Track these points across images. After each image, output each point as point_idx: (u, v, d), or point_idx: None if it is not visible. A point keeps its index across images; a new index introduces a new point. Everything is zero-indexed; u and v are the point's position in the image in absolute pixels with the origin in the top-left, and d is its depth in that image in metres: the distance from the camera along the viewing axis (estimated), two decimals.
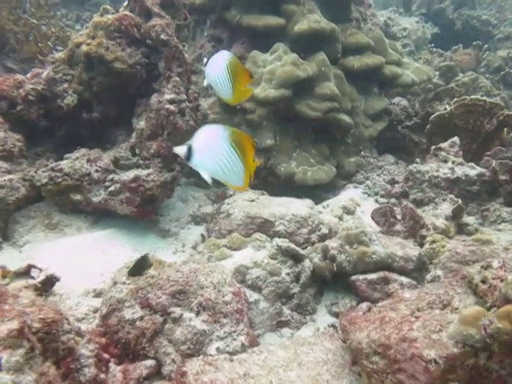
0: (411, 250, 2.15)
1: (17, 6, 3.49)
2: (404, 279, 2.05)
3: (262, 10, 3.22)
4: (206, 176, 1.52)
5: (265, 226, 2.49)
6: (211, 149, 1.51)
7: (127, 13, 2.61)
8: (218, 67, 1.79)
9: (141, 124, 2.67)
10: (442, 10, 6.34)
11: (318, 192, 3.26)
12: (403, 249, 2.15)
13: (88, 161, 2.55)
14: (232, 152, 1.51)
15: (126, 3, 2.72)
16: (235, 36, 3.35)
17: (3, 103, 2.51)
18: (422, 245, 2.22)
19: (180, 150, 1.54)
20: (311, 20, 3.10)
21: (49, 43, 3.67)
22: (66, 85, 2.64)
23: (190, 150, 1.53)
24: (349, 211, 2.91)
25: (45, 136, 2.75)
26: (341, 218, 2.83)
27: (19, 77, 2.53)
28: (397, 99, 4.14)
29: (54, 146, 2.77)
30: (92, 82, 2.64)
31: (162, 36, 2.62)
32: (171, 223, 2.86)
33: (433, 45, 5.72)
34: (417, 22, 5.92)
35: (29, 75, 2.59)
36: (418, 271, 2.09)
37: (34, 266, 1.63)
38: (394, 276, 2.06)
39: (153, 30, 2.62)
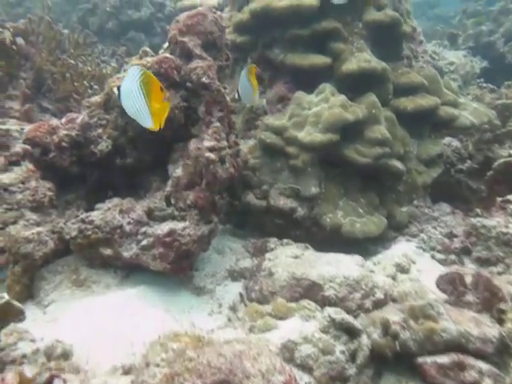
0: (489, 328, 1.87)
1: (56, 47, 3.48)
2: (483, 365, 1.77)
3: (307, 49, 3.08)
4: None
5: (312, 290, 2.26)
6: (127, 90, 1.64)
7: (167, 55, 2.51)
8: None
9: (177, 172, 2.53)
10: (491, 43, 6.11)
11: (366, 244, 3.02)
12: (479, 326, 1.87)
13: (120, 212, 2.41)
14: (139, 93, 1.62)
15: (166, 45, 2.63)
16: (278, 75, 3.22)
17: (36, 150, 2.42)
18: (499, 321, 1.94)
19: (116, 91, 1.72)
20: (361, 59, 2.93)
21: (84, 82, 3.63)
22: (100, 130, 2.53)
23: (119, 91, 1.70)
24: (403, 269, 2.65)
25: (76, 182, 2.64)
26: (394, 278, 2.57)
27: (54, 122, 2.45)
28: (447, 140, 3.89)
29: (85, 193, 2.66)
30: (127, 127, 2.53)
31: (203, 79, 2.50)
32: (206, 279, 2.66)
33: (482, 80, 5.48)
34: (464, 56, 5.70)
35: (64, 120, 2.50)
36: (499, 356, 1.81)
37: (58, 376, 1.44)
38: (471, 360, 1.78)
39: (194, 73, 2.51)
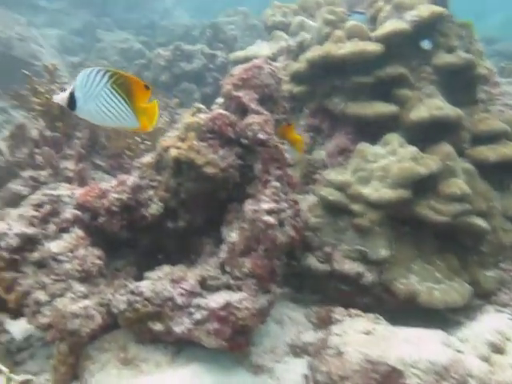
0: None
1: None
2: None
3: (371, 97, 2.88)
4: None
5: (391, 377, 1.95)
6: (93, 95, 1.48)
7: (221, 111, 2.39)
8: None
9: (232, 236, 2.34)
10: None
11: (446, 313, 2.65)
12: None
13: (171, 281, 2.24)
14: (114, 95, 1.50)
15: (220, 100, 2.52)
16: (338, 125, 3.03)
17: (86, 215, 2.33)
18: None
19: (61, 99, 1.50)
20: (432, 106, 2.69)
21: (137, 138, 3.60)
22: (151, 192, 2.41)
23: (72, 98, 1.50)
24: (498, 349, 2.26)
25: (125, 247, 2.52)
26: (488, 361, 2.19)
27: (104, 186, 2.36)
28: None
29: (135, 259, 2.52)
30: (180, 189, 2.39)
31: (260, 135, 2.34)
32: (265, 355, 2.40)
33: None
34: None
35: (114, 183, 2.41)
36: None
37: None
38: None
39: (249, 129, 2.36)
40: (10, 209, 2.66)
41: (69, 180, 3.18)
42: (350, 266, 2.63)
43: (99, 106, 1.53)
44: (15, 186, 3.11)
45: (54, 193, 2.32)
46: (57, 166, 3.16)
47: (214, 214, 2.51)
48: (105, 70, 1.53)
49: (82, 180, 3.15)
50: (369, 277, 2.58)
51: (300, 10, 4.34)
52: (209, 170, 2.30)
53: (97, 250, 2.29)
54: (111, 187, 2.41)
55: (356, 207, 2.66)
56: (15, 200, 3.10)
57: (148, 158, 2.47)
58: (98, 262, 2.24)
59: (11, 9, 12.00)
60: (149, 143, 3.66)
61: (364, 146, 2.78)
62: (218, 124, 2.36)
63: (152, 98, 1.65)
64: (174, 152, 2.32)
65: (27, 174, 3.15)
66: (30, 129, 3.28)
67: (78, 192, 2.36)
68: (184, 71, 6.81)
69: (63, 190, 2.34)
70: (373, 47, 2.70)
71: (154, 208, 2.40)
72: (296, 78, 3.14)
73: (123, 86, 1.52)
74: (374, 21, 3.00)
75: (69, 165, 3.24)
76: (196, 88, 6.78)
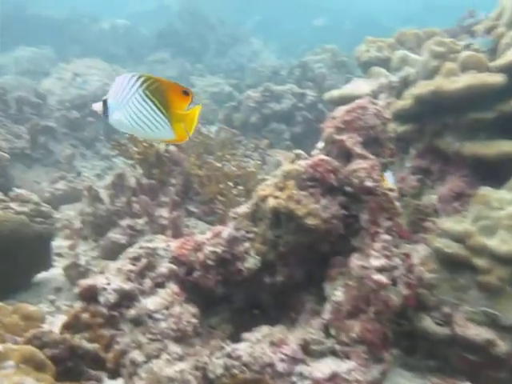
0: None
1: (204, 151, 3.52)
2: None
3: (491, 134, 2.55)
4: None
5: None
6: (123, 102, 1.39)
7: (323, 157, 2.23)
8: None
9: (337, 294, 2.11)
10: None
11: None
12: None
13: (271, 344, 2.04)
14: (146, 101, 1.39)
15: (321, 144, 2.37)
16: (451, 167, 2.72)
17: (181, 269, 2.25)
18: None
19: (97, 107, 1.44)
20: None
21: (229, 183, 3.56)
22: (247, 244, 2.28)
23: (105, 105, 1.42)
24: None
25: (220, 303, 2.39)
26: None
27: (199, 238, 2.28)
28: None
29: (230, 315, 2.38)
30: (278, 241, 2.23)
31: (367, 182, 2.13)
32: None
33: None
34: None
35: (209, 234, 2.32)
36: None
37: None
38: None
39: (354, 176, 2.16)
40: (108, 260, 2.69)
41: (163, 228, 3.18)
42: (477, 332, 2.25)
43: (129, 113, 1.41)
44: (114, 235, 3.17)
45: (150, 245, 2.28)
46: (152, 213, 3.19)
47: (315, 268, 2.31)
48: (138, 75, 1.42)
49: (176, 228, 3.14)
50: (502, 346, 2.19)
51: (397, 44, 4.13)
52: (310, 221, 2.12)
53: (192, 307, 2.19)
54: (206, 239, 2.32)
55: (480, 262, 2.30)
56: (114, 249, 3.15)
57: (244, 208, 2.36)
58: (194, 320, 2.13)
59: (117, 63, 13.19)
60: (241, 188, 3.60)
61: (487, 191, 2.43)
62: (320, 171, 2.19)
63: (195, 104, 1.48)
64: (272, 202, 2.18)
65: (125, 222, 3.20)
66: (129, 177, 3.37)
67: (174, 244, 2.30)
68: (273, 111, 6.84)
69: (159, 242, 2.30)
70: (494, 79, 2.39)
71: (251, 262, 2.26)
72: (401, 116, 2.90)
73: (157, 92, 1.40)
74: (491, 50, 2.70)
75: (163, 212, 3.25)
76: (285, 128, 6.75)
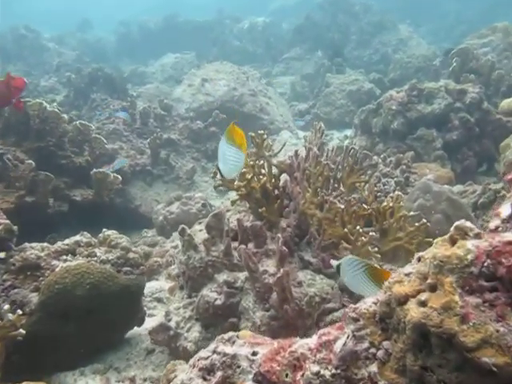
0: None
1: (323, 185, 2.73)
2: None
3: None
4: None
5: None
6: (221, 156, 1.76)
7: (509, 236, 1.28)
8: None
9: None
10: None
11: None
12: None
13: None
14: (232, 149, 1.72)
15: (508, 210, 1.42)
16: None
17: None
18: None
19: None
20: None
21: (358, 227, 2.72)
22: (374, 367, 1.46)
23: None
24: None
25: None
26: None
27: (297, 347, 1.53)
28: None
29: None
30: (425, 377, 1.36)
31: None
32: None
33: None
34: None
35: (314, 341, 1.55)
36: None
37: None
38: None
39: None
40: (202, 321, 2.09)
41: (268, 288, 2.51)
42: None
43: (227, 163, 1.76)
44: (208, 293, 2.59)
45: (229, 350, 1.60)
46: (255, 269, 2.52)
47: None
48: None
49: (282, 291, 2.43)
50: None
51: None
52: (488, 357, 1.21)
53: None
54: (309, 350, 1.56)
55: None
56: (207, 309, 2.59)
57: (368, 307, 1.53)
58: None
59: (255, 62, 12.98)
60: (374, 234, 2.74)
61: None
62: (505, 263, 1.26)
63: None
64: (414, 313, 1.32)
65: (222, 277, 2.61)
66: (228, 217, 2.77)
67: (262, 353, 1.59)
68: (422, 114, 5.68)
69: (241, 345, 1.61)
70: None
71: None
72: None
73: (233, 140, 1.72)
74: None
75: (269, 266, 2.57)
76: (436, 134, 5.54)
